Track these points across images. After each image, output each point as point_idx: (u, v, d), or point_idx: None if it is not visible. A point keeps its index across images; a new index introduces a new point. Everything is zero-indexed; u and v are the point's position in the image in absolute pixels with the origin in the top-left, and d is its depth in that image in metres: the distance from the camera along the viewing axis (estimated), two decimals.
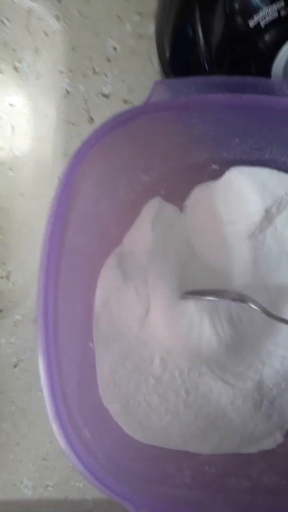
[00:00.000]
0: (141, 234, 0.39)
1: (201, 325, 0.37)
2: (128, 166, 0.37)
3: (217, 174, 0.39)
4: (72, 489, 0.41)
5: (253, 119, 0.35)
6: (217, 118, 0.34)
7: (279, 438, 0.36)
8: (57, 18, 0.49)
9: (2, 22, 0.51)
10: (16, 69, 0.53)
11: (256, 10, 0.34)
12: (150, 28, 0.47)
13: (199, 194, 0.40)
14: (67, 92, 0.48)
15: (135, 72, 0.48)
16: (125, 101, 0.48)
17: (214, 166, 0.39)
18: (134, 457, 0.33)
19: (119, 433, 0.34)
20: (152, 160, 0.37)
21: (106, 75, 0.48)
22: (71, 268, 0.34)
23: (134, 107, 0.33)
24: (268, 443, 0.36)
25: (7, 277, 0.51)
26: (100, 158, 0.34)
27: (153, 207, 0.39)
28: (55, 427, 0.27)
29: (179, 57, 0.41)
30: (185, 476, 0.32)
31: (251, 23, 0.34)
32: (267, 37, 0.34)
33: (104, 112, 0.47)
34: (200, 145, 0.37)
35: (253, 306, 0.36)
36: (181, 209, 0.41)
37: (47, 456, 0.41)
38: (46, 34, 0.50)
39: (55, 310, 0.30)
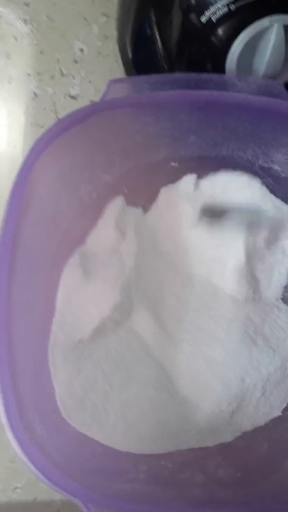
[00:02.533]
0: (104, 233, 0.39)
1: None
2: (88, 165, 0.37)
3: (177, 172, 0.39)
4: (40, 490, 0.41)
5: (206, 116, 0.35)
6: (171, 115, 0.35)
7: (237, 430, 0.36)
8: (25, 22, 0.49)
9: None
10: None
11: (207, 5, 0.34)
12: None
13: (163, 197, 0.41)
14: (35, 94, 0.48)
15: (102, 73, 0.49)
16: (92, 102, 0.48)
17: (173, 164, 0.39)
18: (89, 454, 0.33)
19: (73, 431, 0.34)
20: (111, 158, 0.37)
21: (73, 77, 0.49)
22: (30, 267, 0.34)
23: (87, 106, 0.33)
24: (227, 436, 0.36)
25: None
26: (58, 156, 0.34)
27: (115, 206, 0.39)
28: (5, 424, 0.27)
29: (140, 56, 0.41)
30: (140, 472, 0.32)
31: (203, 19, 0.34)
32: (219, 32, 0.34)
33: None
34: (157, 143, 0.37)
35: None
36: (144, 208, 0.41)
37: (15, 458, 0.41)
38: (15, 38, 0.51)
39: (9, 308, 0.30)
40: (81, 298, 0.37)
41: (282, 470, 0.34)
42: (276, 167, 0.37)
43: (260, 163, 0.37)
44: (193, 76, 0.33)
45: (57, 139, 0.33)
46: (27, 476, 0.41)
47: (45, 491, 0.40)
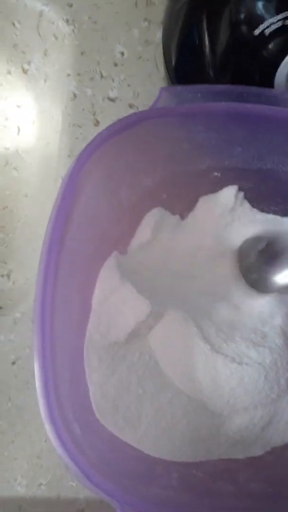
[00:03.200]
0: (141, 240, 0.40)
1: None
2: (131, 169, 0.37)
3: (218, 182, 0.39)
4: (64, 487, 0.41)
5: (255, 129, 0.35)
6: (220, 126, 0.35)
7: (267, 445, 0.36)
8: (67, 22, 0.50)
9: (13, 24, 0.52)
10: (24, 71, 0.54)
11: (261, 19, 0.34)
12: (157, 35, 0.48)
13: (201, 208, 0.41)
14: (74, 95, 0.49)
15: (141, 78, 0.49)
16: (130, 106, 0.48)
17: (216, 174, 0.39)
18: (123, 457, 0.34)
19: (108, 432, 0.34)
20: (154, 164, 0.38)
21: (113, 80, 0.49)
22: (71, 267, 0.34)
23: (140, 112, 0.34)
24: (256, 450, 0.36)
25: (8, 276, 0.51)
26: (104, 160, 0.34)
27: (153, 216, 0.40)
28: (46, 421, 0.28)
29: (185, 64, 0.42)
30: (172, 478, 0.33)
31: (256, 32, 0.35)
32: (271, 46, 0.35)
33: (110, 116, 0.48)
34: (203, 152, 0.37)
35: None
36: (181, 215, 0.41)
37: (41, 455, 0.42)
38: (55, 37, 0.51)
39: (53, 308, 0.30)
40: (117, 301, 0.38)
41: None
42: None
43: None
44: (245, 88, 0.34)
45: (105, 144, 0.33)
46: (53, 472, 0.41)
47: (69, 489, 0.41)
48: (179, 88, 0.34)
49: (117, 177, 0.37)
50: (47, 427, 0.28)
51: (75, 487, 0.41)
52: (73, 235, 0.34)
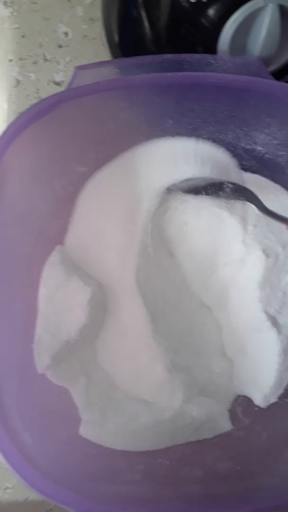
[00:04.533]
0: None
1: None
2: (60, 156, 0.35)
3: None
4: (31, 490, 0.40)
5: (182, 98, 0.32)
6: (144, 100, 0.32)
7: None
8: (5, 4, 0.47)
9: None
10: None
11: None
12: None
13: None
14: (18, 81, 0.46)
15: (88, 58, 0.46)
16: None
17: None
18: (82, 457, 0.32)
19: (65, 435, 0.32)
20: (85, 149, 0.35)
21: (57, 62, 0.46)
22: (5, 268, 0.33)
23: (52, 96, 0.31)
24: (225, 425, 0.34)
25: None
26: (25, 152, 0.32)
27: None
28: None
29: (127, 39, 0.39)
30: (136, 472, 0.31)
31: None
32: (210, 13, 0.32)
33: None
34: (133, 130, 0.34)
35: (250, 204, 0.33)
36: None
37: None
38: None
39: None
40: (64, 297, 0.36)
41: (282, 460, 0.32)
42: (259, 148, 0.34)
43: (243, 145, 0.34)
44: (165, 57, 0.31)
45: (23, 133, 0.31)
46: None
47: None
48: (94, 64, 0.32)
49: (47, 167, 0.35)
50: None
51: None
52: (2, 234, 0.32)
